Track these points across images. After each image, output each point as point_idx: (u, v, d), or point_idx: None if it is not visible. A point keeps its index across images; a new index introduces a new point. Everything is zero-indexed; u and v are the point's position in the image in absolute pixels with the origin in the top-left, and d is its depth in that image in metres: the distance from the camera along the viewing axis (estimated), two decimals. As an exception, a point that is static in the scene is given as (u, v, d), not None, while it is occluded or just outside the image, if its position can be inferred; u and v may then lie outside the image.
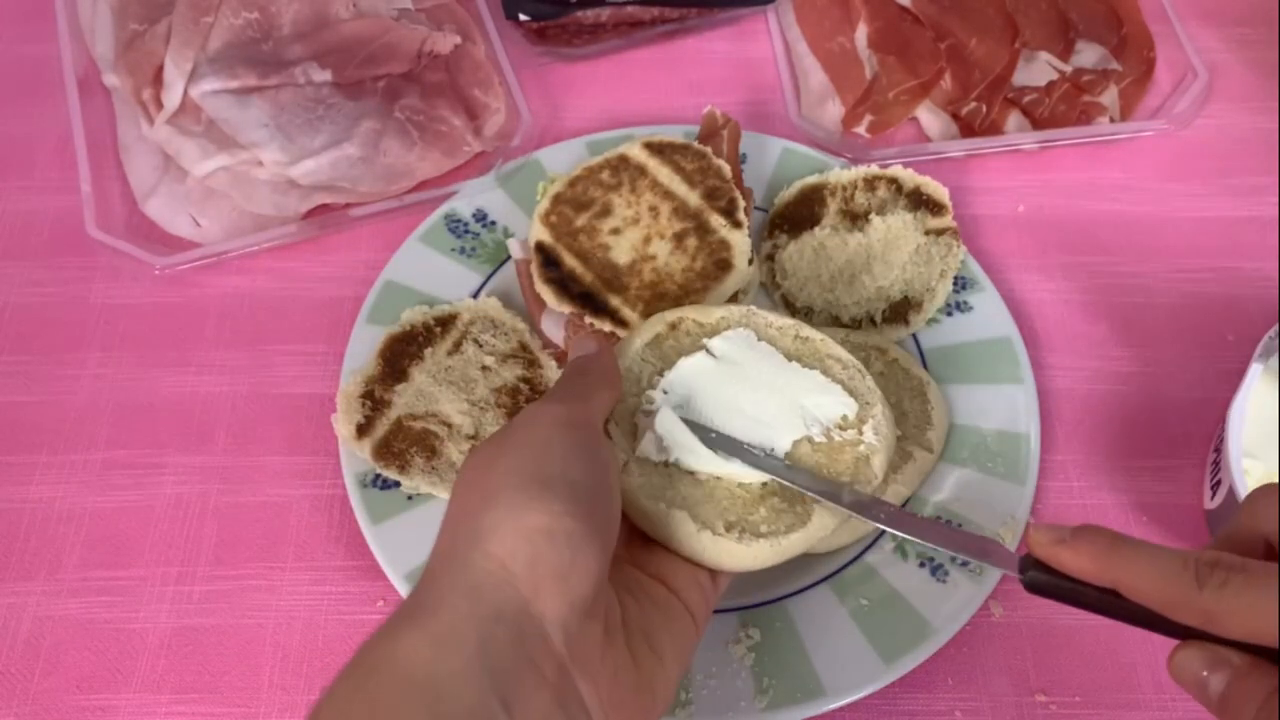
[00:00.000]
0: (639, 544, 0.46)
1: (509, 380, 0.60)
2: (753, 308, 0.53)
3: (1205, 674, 0.35)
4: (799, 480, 0.47)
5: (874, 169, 0.68)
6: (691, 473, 0.48)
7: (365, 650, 0.36)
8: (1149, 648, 0.55)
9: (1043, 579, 0.39)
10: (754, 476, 0.47)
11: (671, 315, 0.53)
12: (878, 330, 0.63)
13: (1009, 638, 0.55)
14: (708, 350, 0.51)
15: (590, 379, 0.46)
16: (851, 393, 0.50)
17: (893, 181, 0.67)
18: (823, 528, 0.47)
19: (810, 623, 0.54)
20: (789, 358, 0.51)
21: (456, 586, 0.37)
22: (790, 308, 0.65)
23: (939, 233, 0.65)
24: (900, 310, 0.63)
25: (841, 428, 0.49)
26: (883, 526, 0.45)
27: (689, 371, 0.50)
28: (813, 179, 0.68)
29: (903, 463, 0.57)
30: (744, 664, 0.52)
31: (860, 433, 0.49)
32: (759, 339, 0.52)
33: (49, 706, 0.53)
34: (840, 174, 0.68)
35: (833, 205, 0.67)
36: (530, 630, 0.36)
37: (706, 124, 0.67)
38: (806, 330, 0.53)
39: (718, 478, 0.48)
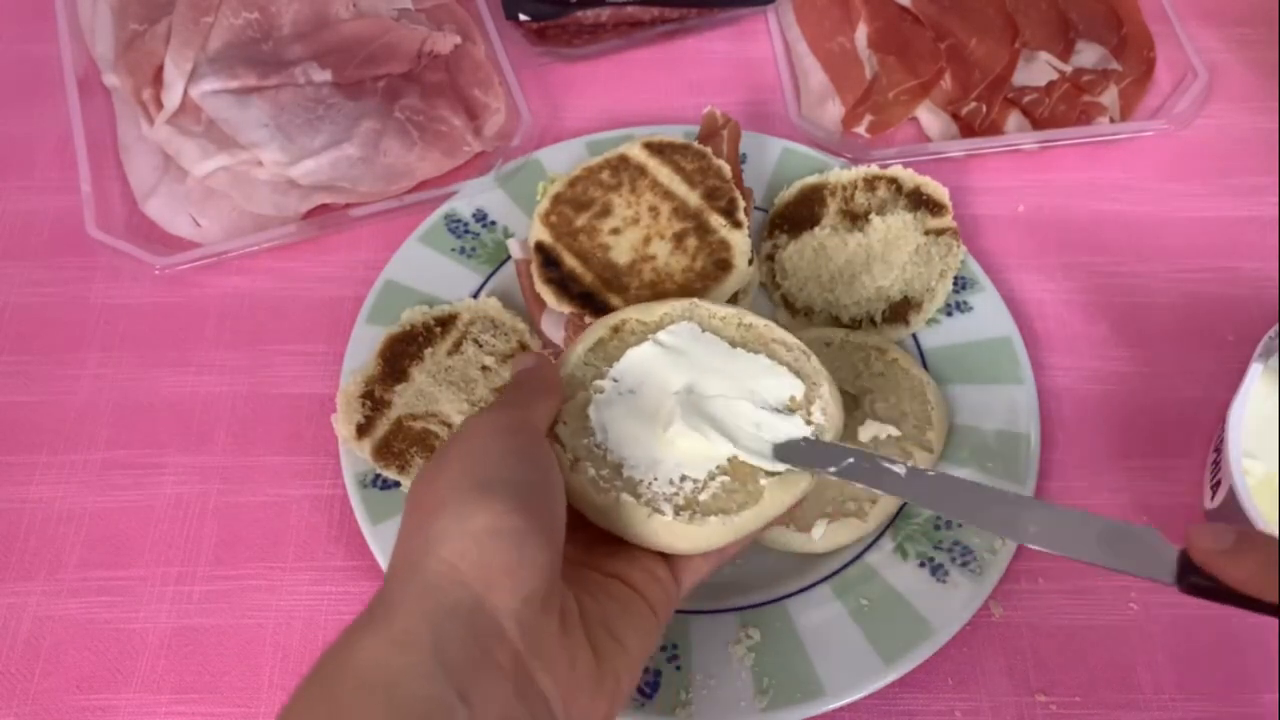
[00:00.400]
0: (595, 546, 0.47)
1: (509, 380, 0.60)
2: (695, 300, 0.53)
3: None
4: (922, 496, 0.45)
5: (874, 169, 0.68)
6: (636, 466, 0.47)
7: (325, 657, 0.37)
8: (1149, 648, 0.55)
9: (1204, 585, 0.37)
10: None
11: (613, 319, 0.53)
12: (878, 330, 0.63)
13: (1009, 638, 0.55)
14: (655, 341, 0.51)
15: (528, 388, 0.47)
16: (798, 374, 0.50)
17: (893, 181, 0.67)
18: (777, 504, 0.46)
19: (810, 623, 0.54)
20: (734, 345, 0.52)
21: (411, 591, 0.38)
22: (790, 308, 0.65)
23: (939, 233, 0.65)
24: (900, 310, 0.63)
25: (790, 409, 0.49)
26: (1034, 545, 0.40)
27: (637, 360, 0.50)
28: (813, 179, 0.68)
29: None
30: (744, 664, 0.52)
31: (809, 413, 0.49)
32: (703, 330, 0.52)
33: (49, 706, 0.53)
34: (840, 174, 0.68)
35: (833, 205, 0.67)
36: (484, 624, 0.37)
37: (706, 124, 0.67)
38: (750, 317, 0.53)
39: (659, 461, 0.47)
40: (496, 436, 0.42)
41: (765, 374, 0.50)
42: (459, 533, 0.38)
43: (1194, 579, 0.36)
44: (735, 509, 0.46)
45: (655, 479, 0.47)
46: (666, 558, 0.47)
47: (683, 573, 0.47)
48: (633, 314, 0.53)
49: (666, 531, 0.45)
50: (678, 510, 0.45)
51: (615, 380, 0.50)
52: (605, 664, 0.41)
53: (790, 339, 0.52)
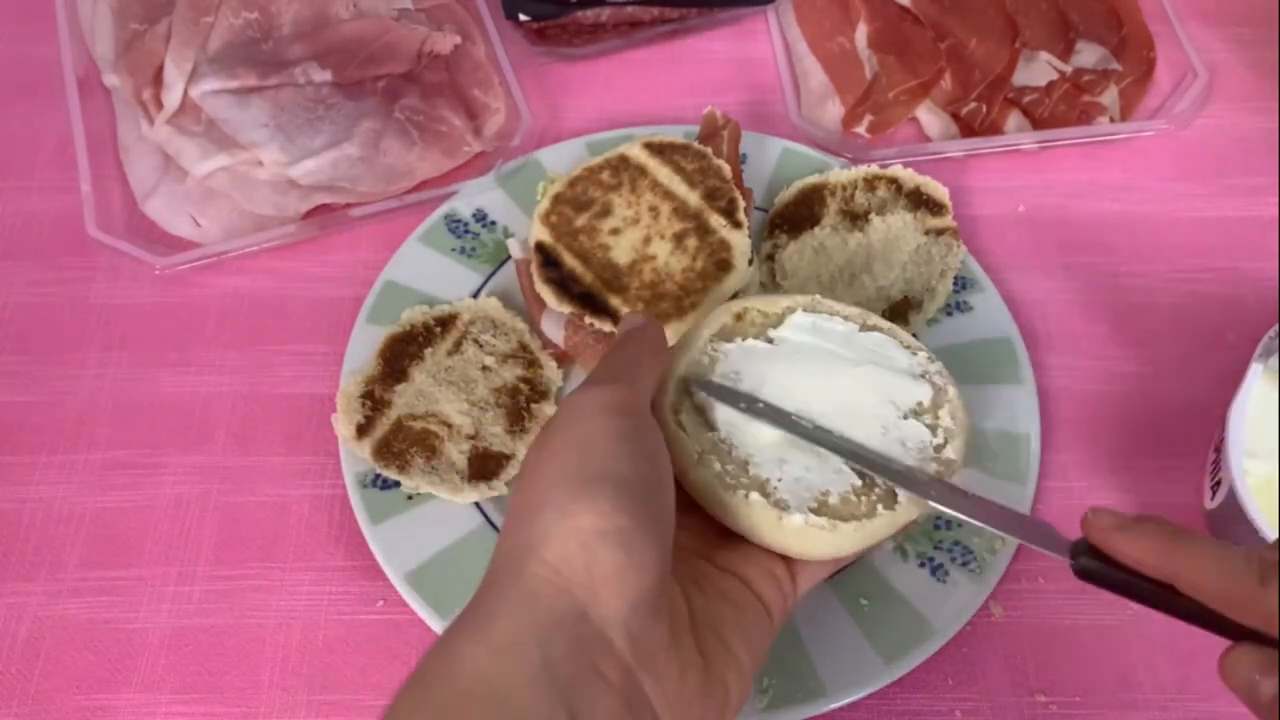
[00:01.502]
0: (708, 535, 0.45)
1: (509, 380, 0.60)
2: (818, 296, 0.52)
3: (1257, 677, 0.34)
4: (836, 445, 0.45)
5: (874, 169, 0.68)
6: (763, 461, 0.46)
7: (425, 663, 0.35)
8: (1149, 647, 0.55)
9: (1095, 566, 0.38)
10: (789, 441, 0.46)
11: (736, 306, 0.51)
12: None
13: (1009, 638, 0.55)
14: (774, 340, 0.50)
15: (633, 351, 0.44)
16: (924, 378, 0.49)
17: (893, 181, 0.67)
18: (911, 508, 0.44)
19: (810, 623, 0.54)
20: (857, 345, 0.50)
21: (513, 594, 0.36)
22: (790, 308, 0.65)
23: (939, 233, 0.65)
24: (900, 310, 0.63)
25: (918, 413, 0.48)
26: (932, 503, 0.44)
27: (758, 357, 0.49)
28: (813, 179, 0.68)
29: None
30: (744, 664, 0.52)
31: (936, 418, 0.48)
32: (826, 328, 0.51)
33: (49, 706, 0.53)
34: (840, 174, 0.68)
35: (833, 205, 0.67)
36: (590, 635, 0.35)
37: (706, 124, 0.67)
38: (873, 319, 0.51)
39: (786, 461, 0.46)
40: (602, 420, 0.39)
41: (891, 378, 0.49)
42: (562, 533, 0.36)
43: (1085, 560, 0.39)
44: (869, 513, 0.44)
45: (781, 479, 0.44)
46: (785, 556, 0.45)
47: (801, 574, 0.45)
48: (755, 304, 0.51)
49: (799, 536, 0.43)
50: (813, 511, 0.43)
51: (736, 372, 0.48)
52: (714, 673, 0.39)
53: (914, 341, 0.51)
